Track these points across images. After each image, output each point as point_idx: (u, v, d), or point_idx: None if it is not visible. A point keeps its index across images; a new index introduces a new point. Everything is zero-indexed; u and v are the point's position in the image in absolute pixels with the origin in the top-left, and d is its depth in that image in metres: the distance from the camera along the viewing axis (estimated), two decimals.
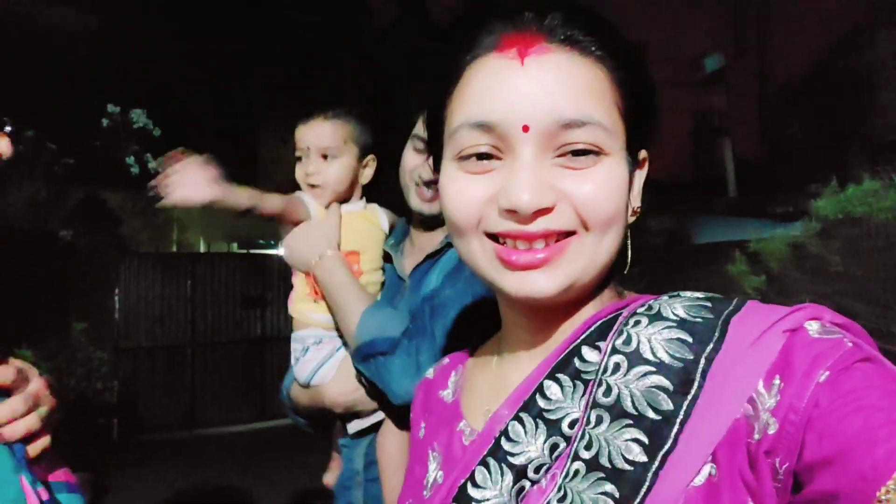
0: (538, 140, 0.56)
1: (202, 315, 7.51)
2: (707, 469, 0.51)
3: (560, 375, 0.59)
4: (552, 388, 0.59)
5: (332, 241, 1.36)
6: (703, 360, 0.53)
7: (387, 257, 1.43)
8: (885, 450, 0.44)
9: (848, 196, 3.52)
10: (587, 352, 0.59)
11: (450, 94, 0.61)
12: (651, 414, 0.52)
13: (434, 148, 0.65)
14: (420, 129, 1.29)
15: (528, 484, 0.57)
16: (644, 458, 0.51)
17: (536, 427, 0.58)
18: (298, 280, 1.41)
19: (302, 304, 1.40)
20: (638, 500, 0.50)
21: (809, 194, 3.78)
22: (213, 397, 7.33)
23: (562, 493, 0.53)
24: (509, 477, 0.57)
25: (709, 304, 0.57)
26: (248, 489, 4.81)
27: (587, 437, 0.54)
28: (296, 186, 1.45)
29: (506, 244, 0.58)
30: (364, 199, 1.51)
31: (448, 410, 0.71)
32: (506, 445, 0.58)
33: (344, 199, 1.45)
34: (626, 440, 0.52)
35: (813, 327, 0.51)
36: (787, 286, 3.72)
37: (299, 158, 1.45)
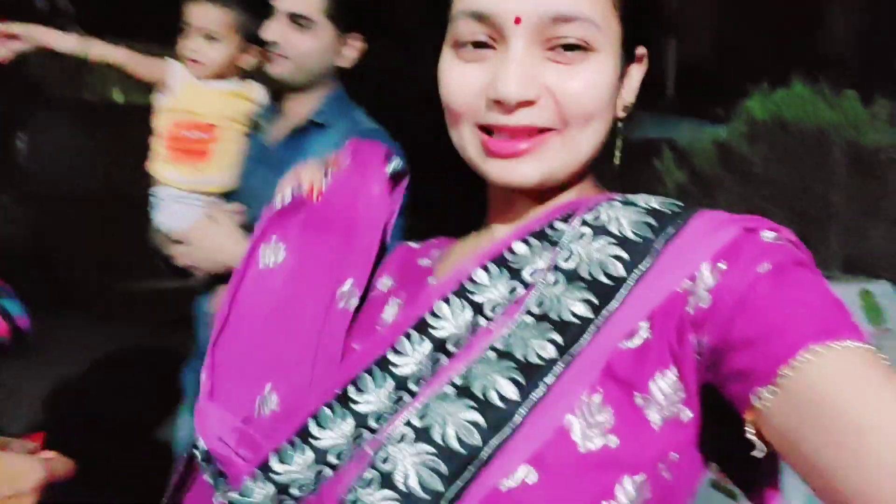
0: (529, 32, 0.58)
1: (119, 168, 7.17)
2: (643, 333, 0.55)
3: (530, 238, 0.62)
4: (520, 247, 0.62)
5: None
6: (661, 239, 0.57)
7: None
8: (798, 335, 0.48)
9: (776, 100, 3.56)
10: (559, 224, 0.63)
11: None
12: (603, 279, 0.56)
13: (436, 35, 0.66)
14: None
15: (482, 321, 0.60)
16: (590, 315, 0.55)
17: (500, 274, 0.61)
18: (155, 141, 1.51)
19: (157, 164, 1.51)
20: (577, 348, 0.54)
21: (743, 95, 3.81)
22: (129, 252, 7.15)
23: (510, 334, 0.57)
24: (468, 313, 0.60)
25: (681, 203, 0.61)
26: (171, 346, 4.80)
27: (540, 293, 0.58)
28: None
29: (492, 136, 0.61)
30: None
31: (422, 272, 0.75)
32: (469, 286, 0.61)
33: (219, 77, 1.56)
34: (578, 299, 0.56)
35: (767, 235, 0.55)
36: (710, 184, 3.82)
37: (183, 30, 1.50)
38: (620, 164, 0.70)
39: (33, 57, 1.39)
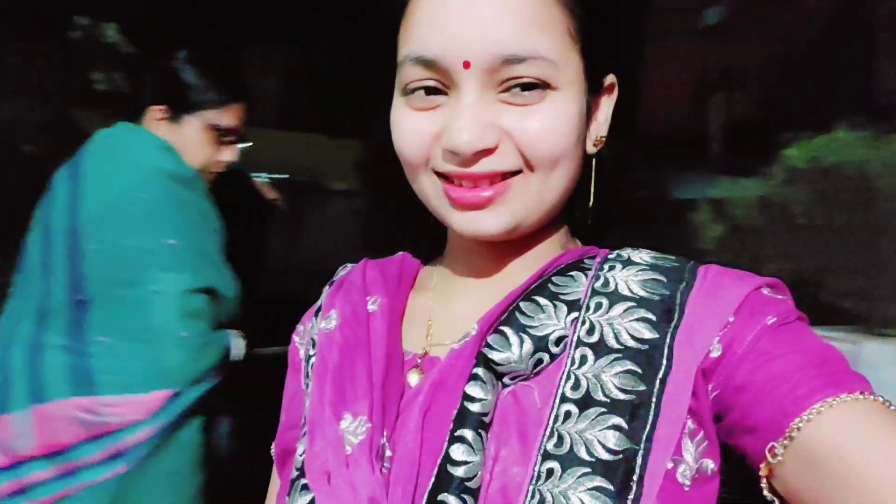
0: (480, 76, 0.55)
1: None
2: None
3: (536, 297, 0.59)
4: (530, 307, 0.58)
5: None
6: (678, 295, 0.56)
7: None
8: (807, 389, 0.47)
9: (816, 145, 3.45)
10: (558, 279, 0.60)
11: (398, 25, 0.60)
12: (639, 345, 0.53)
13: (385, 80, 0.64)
14: None
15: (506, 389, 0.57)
16: (642, 387, 0.52)
17: (521, 340, 0.56)
18: None
19: None
20: (648, 426, 0.50)
21: (784, 147, 3.72)
22: None
23: (559, 433, 0.51)
24: (497, 386, 0.56)
25: (673, 257, 0.61)
26: None
27: (573, 377, 0.54)
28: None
29: (453, 183, 0.58)
30: None
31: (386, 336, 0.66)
32: (490, 354, 0.56)
33: None
34: (618, 372, 0.52)
35: (768, 290, 0.56)
36: (749, 235, 3.68)
37: None
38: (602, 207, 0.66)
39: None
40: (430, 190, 0.60)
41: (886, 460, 0.43)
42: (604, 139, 0.63)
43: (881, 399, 0.47)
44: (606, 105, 0.63)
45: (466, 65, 0.54)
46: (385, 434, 0.55)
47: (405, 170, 0.62)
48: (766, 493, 0.49)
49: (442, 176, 0.59)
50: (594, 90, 0.61)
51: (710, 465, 0.53)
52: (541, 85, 0.55)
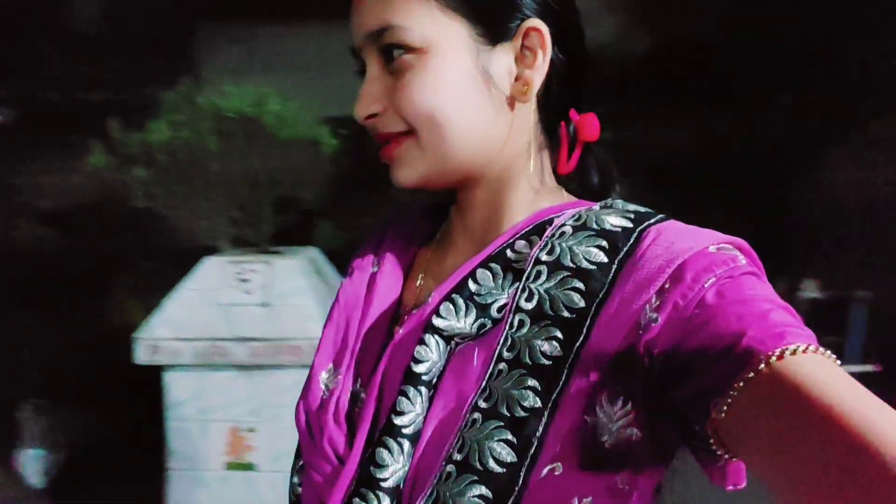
0: (370, 54, 0.62)
1: None
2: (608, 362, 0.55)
3: (492, 265, 0.62)
4: (483, 276, 0.62)
5: None
6: (615, 264, 0.56)
7: None
8: (749, 344, 0.46)
9: None
10: (520, 244, 0.62)
11: None
12: (566, 314, 0.55)
13: None
14: None
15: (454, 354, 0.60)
16: (560, 353, 0.54)
17: (467, 308, 0.60)
18: None
19: None
20: (557, 390, 0.53)
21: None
22: None
23: (491, 390, 0.56)
24: (443, 347, 0.60)
25: (632, 216, 0.59)
26: None
27: (510, 339, 0.57)
28: None
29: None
30: None
31: (388, 281, 0.72)
32: (438, 323, 0.60)
33: None
34: (545, 339, 0.55)
35: (712, 248, 0.54)
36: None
37: None
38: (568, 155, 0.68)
39: None
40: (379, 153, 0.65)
41: (828, 410, 0.42)
42: (525, 91, 0.61)
43: (823, 351, 0.46)
44: (535, 51, 0.61)
45: (360, 47, 0.63)
46: (360, 381, 0.66)
47: None
48: (713, 447, 0.48)
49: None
50: (497, 41, 0.60)
51: (634, 431, 0.54)
52: (402, 50, 0.59)
